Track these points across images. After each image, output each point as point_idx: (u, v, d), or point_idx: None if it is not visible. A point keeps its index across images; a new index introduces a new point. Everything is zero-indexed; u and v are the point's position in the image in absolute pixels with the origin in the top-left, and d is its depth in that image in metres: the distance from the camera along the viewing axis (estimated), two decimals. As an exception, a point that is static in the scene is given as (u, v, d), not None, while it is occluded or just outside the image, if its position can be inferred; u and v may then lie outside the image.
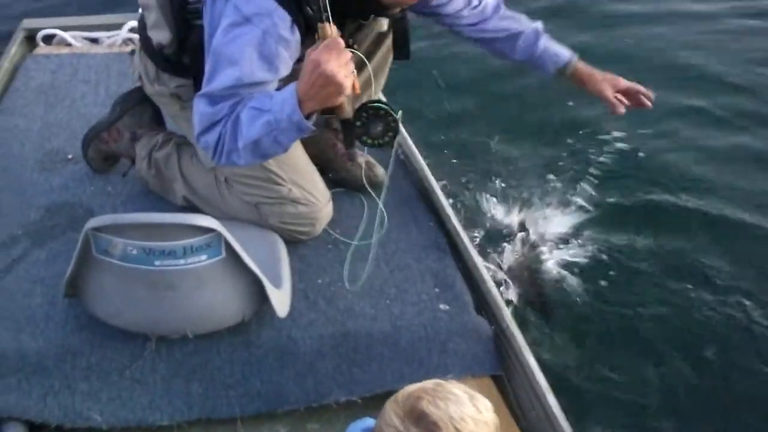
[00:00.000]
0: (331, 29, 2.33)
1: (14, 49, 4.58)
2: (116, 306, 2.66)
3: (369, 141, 2.58)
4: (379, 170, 3.46)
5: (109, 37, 4.78)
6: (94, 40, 4.82)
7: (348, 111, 2.51)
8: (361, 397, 2.63)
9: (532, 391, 2.66)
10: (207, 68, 2.53)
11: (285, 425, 2.64)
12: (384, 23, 2.76)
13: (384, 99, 3.23)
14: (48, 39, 4.74)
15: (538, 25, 3.17)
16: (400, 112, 2.52)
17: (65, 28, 4.77)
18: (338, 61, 2.28)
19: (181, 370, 2.68)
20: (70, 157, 3.49)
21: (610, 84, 3.07)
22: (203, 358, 2.71)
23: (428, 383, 1.67)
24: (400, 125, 2.54)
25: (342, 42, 2.30)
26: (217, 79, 2.48)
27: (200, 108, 2.51)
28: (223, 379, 2.68)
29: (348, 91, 2.33)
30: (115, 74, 4.33)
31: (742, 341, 3.39)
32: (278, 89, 2.49)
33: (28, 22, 4.83)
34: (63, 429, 2.55)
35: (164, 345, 2.71)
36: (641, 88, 3.07)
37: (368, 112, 2.54)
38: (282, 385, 2.68)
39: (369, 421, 1.79)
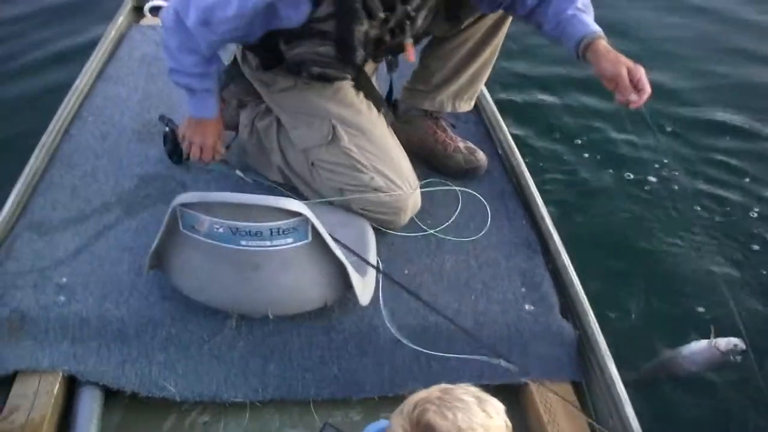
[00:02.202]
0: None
1: (121, 18, 4.65)
2: (200, 282, 2.67)
3: None
4: (480, 155, 3.42)
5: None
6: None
7: None
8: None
9: (611, 400, 2.59)
10: None
11: (359, 413, 2.63)
12: None
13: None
14: (155, 10, 4.77)
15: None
16: None
17: (173, 0, 4.78)
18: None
19: (260, 350, 2.69)
20: (166, 128, 3.51)
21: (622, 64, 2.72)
22: (282, 340, 2.71)
23: (434, 390, 1.64)
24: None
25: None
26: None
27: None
28: (300, 361, 2.68)
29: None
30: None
31: None
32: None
33: (136, -7, 4.90)
34: (137, 397, 2.58)
35: (244, 323, 2.72)
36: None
37: None
38: (359, 373, 2.67)
39: (384, 423, 1.76)
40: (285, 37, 2.75)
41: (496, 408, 1.63)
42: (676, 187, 4.26)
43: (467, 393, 1.63)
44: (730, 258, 3.81)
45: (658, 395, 3.06)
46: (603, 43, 2.66)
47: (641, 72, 2.61)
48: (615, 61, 2.61)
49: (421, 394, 1.63)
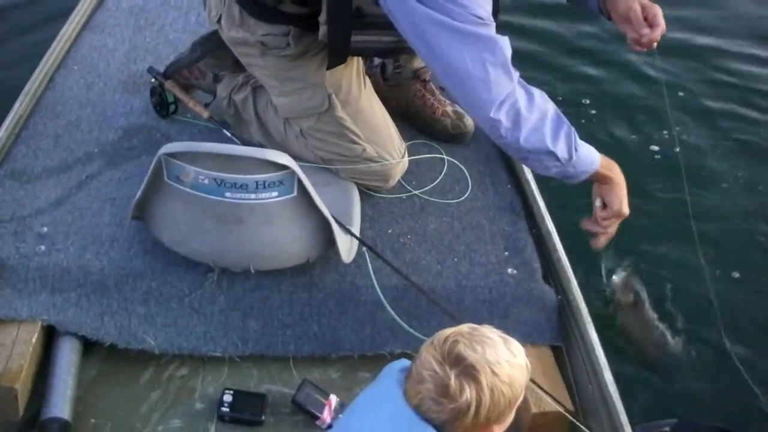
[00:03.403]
0: None
1: (110, -32, 4.56)
2: (182, 234, 2.65)
3: None
4: (468, 121, 3.38)
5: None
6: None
7: None
8: (416, 351, 2.59)
9: (590, 366, 2.59)
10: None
11: (337, 370, 2.63)
12: None
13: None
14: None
15: None
16: None
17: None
18: None
19: (240, 305, 2.68)
20: (152, 81, 3.47)
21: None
22: (263, 295, 2.70)
23: (463, 327, 1.71)
24: None
25: None
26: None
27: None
28: (281, 317, 2.67)
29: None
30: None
31: None
32: None
33: (126, -57, 4.82)
34: (116, 349, 2.57)
35: (226, 278, 2.71)
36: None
37: None
38: (339, 331, 2.67)
39: (405, 362, 1.79)
40: None
41: (519, 349, 1.71)
42: (670, 156, 4.26)
43: (493, 332, 1.71)
44: (712, 230, 3.82)
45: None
46: None
47: (657, 8, 2.62)
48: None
49: (451, 329, 1.70)
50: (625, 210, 2.64)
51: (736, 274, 3.57)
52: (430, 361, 1.64)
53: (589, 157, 2.56)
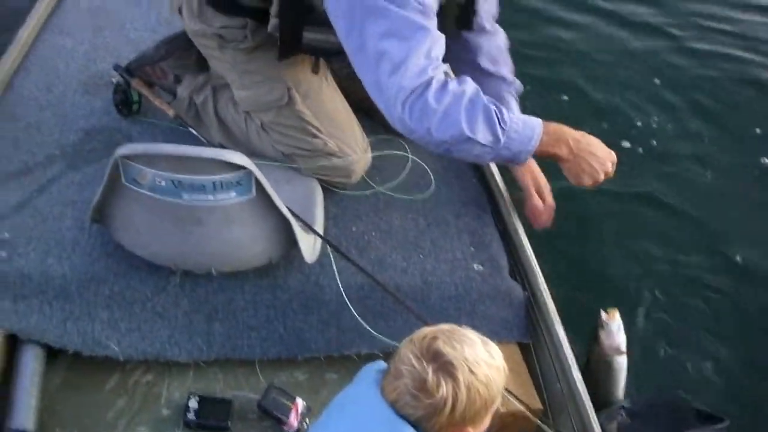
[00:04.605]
0: None
1: (67, -32, 4.51)
2: (142, 237, 2.62)
3: None
4: None
5: (165, -39, 4.68)
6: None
7: None
8: (383, 351, 2.58)
9: (558, 363, 2.60)
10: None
11: (304, 372, 2.62)
12: None
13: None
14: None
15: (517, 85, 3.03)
16: None
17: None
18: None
19: (204, 308, 2.66)
20: (114, 80, 3.43)
21: (532, 178, 2.94)
22: (227, 297, 2.68)
23: (444, 326, 1.73)
24: None
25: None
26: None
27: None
28: (245, 320, 2.65)
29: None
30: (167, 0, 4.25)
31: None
32: None
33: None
34: (80, 356, 2.54)
35: (189, 281, 2.68)
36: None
37: None
38: (305, 332, 2.65)
39: (382, 363, 1.80)
40: None
41: (497, 352, 1.74)
42: (634, 148, 4.29)
43: (473, 333, 1.73)
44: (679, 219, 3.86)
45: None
46: None
47: (545, 184, 2.88)
48: (527, 171, 2.90)
49: (431, 327, 1.73)
50: (595, 178, 2.64)
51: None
52: (408, 356, 1.65)
53: (525, 135, 2.50)
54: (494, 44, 2.99)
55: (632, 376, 2.75)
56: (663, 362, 3.25)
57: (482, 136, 2.41)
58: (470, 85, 2.45)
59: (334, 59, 2.94)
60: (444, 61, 2.49)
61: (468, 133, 2.40)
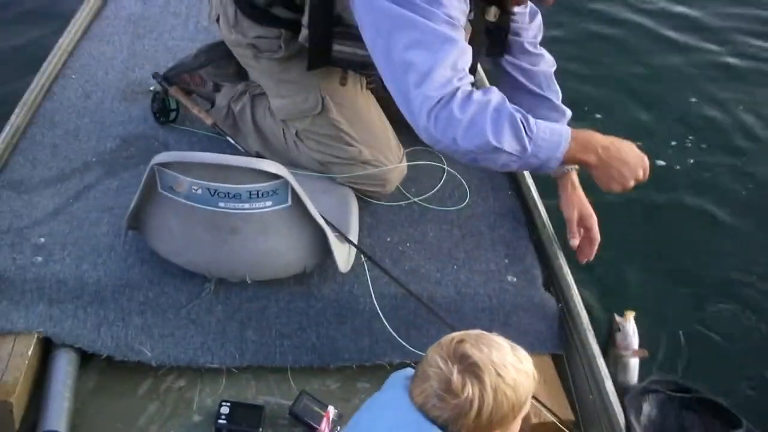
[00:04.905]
0: None
1: (108, -24, 4.55)
2: (177, 244, 2.63)
3: None
4: None
5: (204, -29, 4.70)
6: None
7: None
8: (416, 362, 2.56)
9: (591, 375, 2.57)
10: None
11: (336, 381, 2.61)
12: (493, 13, 2.72)
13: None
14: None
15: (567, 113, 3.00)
16: None
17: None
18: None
19: (237, 315, 2.66)
20: (152, 88, 3.46)
21: (578, 210, 2.88)
22: (261, 305, 2.68)
23: (471, 331, 1.73)
24: None
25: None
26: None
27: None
28: (278, 328, 2.65)
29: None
30: (206, 10, 4.27)
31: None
32: None
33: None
34: (113, 361, 2.55)
35: (223, 288, 2.69)
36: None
37: None
38: (337, 341, 2.64)
39: (410, 371, 1.79)
40: None
41: (527, 357, 1.72)
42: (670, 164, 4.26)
43: (501, 339, 1.72)
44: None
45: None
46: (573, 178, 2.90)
47: (593, 220, 2.83)
48: (572, 203, 2.85)
49: (459, 332, 1.72)
50: (624, 185, 2.59)
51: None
52: (435, 359, 1.65)
53: (552, 142, 2.46)
54: (540, 69, 2.99)
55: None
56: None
57: (508, 145, 2.39)
58: (496, 94, 2.44)
59: (362, 72, 2.93)
60: (472, 73, 2.51)
61: (494, 142, 2.37)
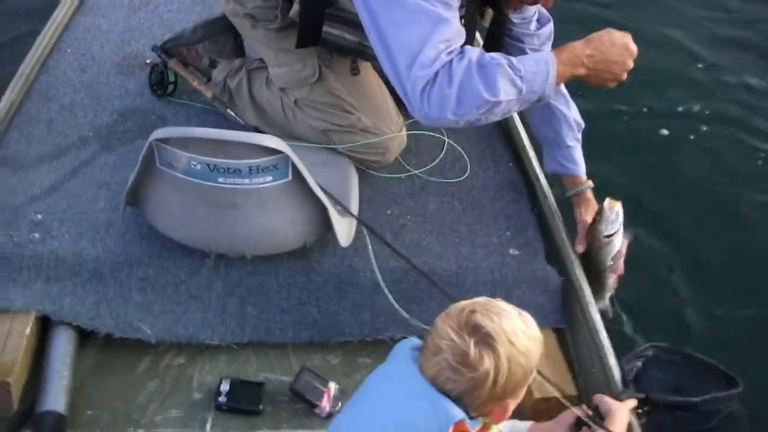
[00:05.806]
0: None
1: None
2: (176, 220, 2.61)
3: None
4: None
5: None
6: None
7: None
8: (417, 336, 2.55)
9: (594, 348, 2.56)
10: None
11: (337, 356, 2.62)
12: (489, 17, 2.73)
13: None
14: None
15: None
16: None
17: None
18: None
19: (238, 291, 2.65)
20: (148, 62, 3.43)
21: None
22: (260, 281, 2.66)
23: (479, 299, 1.74)
24: None
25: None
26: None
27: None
28: (279, 303, 2.65)
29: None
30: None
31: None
32: None
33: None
34: (112, 338, 2.54)
35: (222, 264, 2.67)
36: None
37: None
38: (338, 316, 2.64)
39: (415, 341, 1.79)
40: None
41: (532, 321, 1.75)
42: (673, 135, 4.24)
43: (507, 305, 1.74)
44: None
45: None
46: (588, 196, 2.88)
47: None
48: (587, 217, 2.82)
49: (465, 301, 1.73)
50: (618, 80, 2.57)
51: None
52: (447, 331, 1.65)
53: (541, 72, 2.42)
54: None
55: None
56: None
57: (505, 93, 2.35)
58: (472, 52, 2.38)
59: (348, 58, 2.91)
60: None
61: (491, 98, 2.33)
